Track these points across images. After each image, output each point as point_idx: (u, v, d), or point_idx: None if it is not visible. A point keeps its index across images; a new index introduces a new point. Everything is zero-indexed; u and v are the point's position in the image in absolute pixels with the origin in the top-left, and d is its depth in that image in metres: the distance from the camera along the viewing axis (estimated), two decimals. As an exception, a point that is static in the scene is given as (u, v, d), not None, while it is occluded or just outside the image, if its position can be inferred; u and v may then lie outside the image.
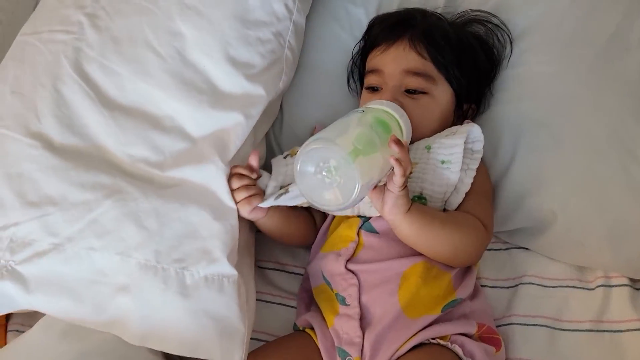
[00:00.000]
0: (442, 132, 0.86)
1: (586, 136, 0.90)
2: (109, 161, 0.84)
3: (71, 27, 0.93)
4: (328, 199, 0.73)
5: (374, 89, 0.92)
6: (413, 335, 0.80)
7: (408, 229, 0.78)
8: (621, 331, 0.86)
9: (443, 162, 0.82)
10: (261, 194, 0.85)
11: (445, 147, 0.82)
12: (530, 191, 0.91)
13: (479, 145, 0.85)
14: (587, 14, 0.98)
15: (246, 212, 0.84)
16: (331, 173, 0.72)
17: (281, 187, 0.86)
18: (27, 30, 0.99)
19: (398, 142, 0.74)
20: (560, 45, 0.97)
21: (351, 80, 1.04)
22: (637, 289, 0.90)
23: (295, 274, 1.00)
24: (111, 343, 0.79)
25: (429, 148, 0.84)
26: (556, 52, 0.97)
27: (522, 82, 0.97)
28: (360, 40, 1.02)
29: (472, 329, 0.82)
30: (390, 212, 0.77)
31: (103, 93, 0.88)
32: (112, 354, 0.79)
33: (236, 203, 0.83)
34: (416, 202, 0.82)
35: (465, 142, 0.83)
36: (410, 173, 0.82)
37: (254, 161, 0.85)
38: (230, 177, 0.84)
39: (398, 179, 0.74)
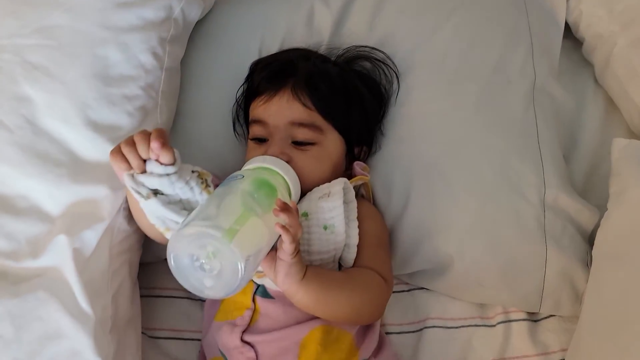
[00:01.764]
0: (313, 194, 0.80)
1: (475, 177, 0.89)
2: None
3: None
4: (212, 286, 0.67)
5: (260, 140, 0.87)
6: None
7: (306, 297, 0.74)
8: (523, 367, 0.86)
9: (326, 227, 0.78)
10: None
11: (324, 212, 0.77)
12: (426, 235, 0.89)
13: (351, 196, 0.82)
14: (469, 47, 0.97)
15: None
16: (210, 259, 0.65)
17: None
18: None
19: (283, 207, 0.68)
20: (445, 81, 0.95)
21: (237, 125, 0.98)
22: (534, 321, 0.91)
23: (192, 339, 0.93)
24: None
25: (306, 215, 0.78)
26: (442, 88, 0.95)
27: (411, 121, 0.94)
28: (243, 84, 0.96)
29: (377, 393, 0.79)
30: (284, 281, 0.72)
31: None
32: None
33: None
34: (309, 265, 0.77)
35: None
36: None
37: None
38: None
39: (287, 246, 0.69)
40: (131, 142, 0.72)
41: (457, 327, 0.91)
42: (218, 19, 1.04)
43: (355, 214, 0.81)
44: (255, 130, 0.87)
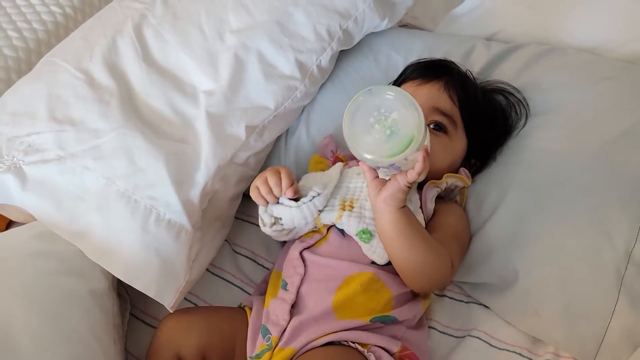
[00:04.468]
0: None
1: (568, 210, 0.90)
2: (131, 103, 0.96)
3: (147, 0, 1.09)
4: (367, 143, 0.74)
5: None
6: (334, 332, 0.80)
7: (394, 224, 0.79)
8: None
9: None
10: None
11: None
12: (500, 247, 0.91)
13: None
14: (606, 110, 1.00)
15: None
16: (384, 123, 0.73)
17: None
18: (116, -1, 1.17)
19: (425, 148, 0.76)
20: (572, 129, 0.99)
21: None
22: (584, 376, 0.85)
23: (263, 266, 1.04)
24: (72, 254, 0.87)
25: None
26: (566, 133, 0.99)
27: (525, 152, 0.99)
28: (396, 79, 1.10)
29: (395, 347, 0.81)
30: (386, 200, 0.78)
31: (148, 51, 1.02)
32: (68, 261, 0.86)
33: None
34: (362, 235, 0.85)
35: None
36: (352, 207, 0.86)
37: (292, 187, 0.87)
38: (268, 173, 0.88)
39: (413, 174, 0.75)
40: (267, 184, 0.87)
41: (500, 349, 0.89)
42: (387, 35, 1.21)
43: (418, 204, 0.88)
44: None
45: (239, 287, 1.01)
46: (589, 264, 0.86)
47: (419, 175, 0.76)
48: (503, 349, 0.89)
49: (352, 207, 0.87)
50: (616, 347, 0.82)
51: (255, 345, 0.83)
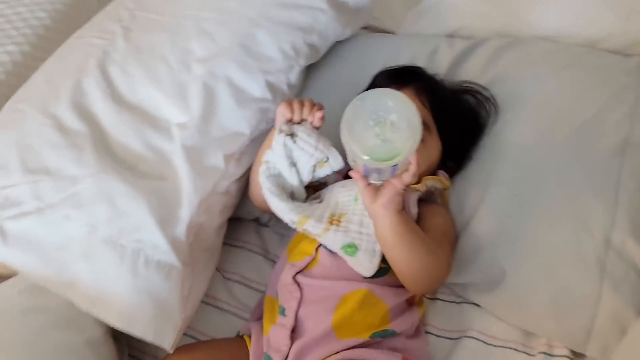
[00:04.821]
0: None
1: (546, 204, 0.93)
2: (105, 145, 0.95)
3: (107, 35, 1.08)
4: (369, 147, 0.74)
5: None
6: (335, 353, 0.82)
7: (393, 229, 0.79)
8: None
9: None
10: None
11: None
12: (485, 246, 0.94)
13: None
14: (571, 99, 1.03)
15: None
16: (383, 125, 0.73)
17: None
18: (75, 35, 1.15)
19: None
20: (540, 122, 1.02)
21: None
22: (579, 363, 0.88)
23: (256, 290, 1.05)
24: (63, 306, 0.86)
25: (356, 199, 0.89)
26: (535, 127, 1.02)
27: (498, 149, 1.02)
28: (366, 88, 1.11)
29: (395, 361, 0.83)
30: (385, 205, 0.78)
31: (116, 90, 1.01)
32: (60, 314, 0.85)
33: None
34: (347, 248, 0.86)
35: None
36: (339, 222, 0.87)
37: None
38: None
39: (408, 176, 0.76)
40: (300, 102, 0.89)
41: (495, 346, 0.92)
42: (352, 42, 1.22)
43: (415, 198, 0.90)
44: None
45: (234, 314, 1.01)
46: (572, 255, 0.88)
47: (413, 178, 0.77)
48: (498, 346, 0.92)
49: (339, 222, 0.88)
50: (606, 332, 0.85)
51: None
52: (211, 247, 1.00)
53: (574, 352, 0.89)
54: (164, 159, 0.95)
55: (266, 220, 1.13)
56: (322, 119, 0.89)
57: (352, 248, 0.86)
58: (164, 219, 0.88)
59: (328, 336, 0.83)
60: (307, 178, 0.91)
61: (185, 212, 0.90)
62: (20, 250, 0.89)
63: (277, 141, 0.89)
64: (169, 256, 0.86)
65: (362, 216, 0.88)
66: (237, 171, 1.00)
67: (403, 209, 0.81)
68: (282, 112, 0.90)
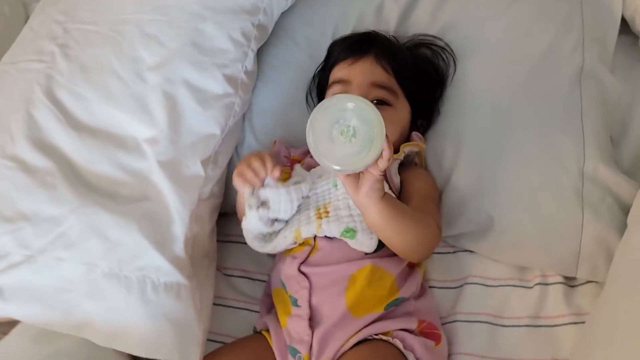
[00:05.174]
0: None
1: (520, 147, 0.97)
2: (77, 177, 0.92)
3: (44, 57, 1.01)
4: (337, 158, 0.75)
5: None
6: (357, 332, 0.86)
7: (381, 214, 0.81)
8: (556, 325, 0.92)
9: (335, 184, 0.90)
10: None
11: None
12: (471, 198, 0.98)
13: None
14: (522, 35, 1.06)
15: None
16: (347, 133, 0.75)
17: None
18: (6, 60, 1.07)
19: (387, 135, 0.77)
20: (497, 64, 1.05)
21: (309, 98, 1.12)
22: (571, 286, 0.96)
23: (259, 280, 1.07)
24: (79, 344, 0.86)
25: (335, 185, 0.91)
26: (494, 70, 1.05)
27: (464, 99, 1.04)
28: (323, 61, 1.10)
29: (413, 325, 0.88)
30: (368, 194, 0.79)
31: (72, 116, 0.96)
32: (79, 354, 0.85)
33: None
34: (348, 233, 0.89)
35: None
36: (327, 213, 0.89)
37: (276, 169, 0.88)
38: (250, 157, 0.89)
39: (385, 162, 0.76)
40: (250, 168, 0.88)
41: (495, 286, 0.98)
42: (296, 11, 1.18)
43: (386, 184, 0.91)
44: (336, 90, 1.00)
45: (245, 309, 1.03)
46: (551, 191, 0.94)
47: (387, 162, 0.79)
48: (498, 286, 0.99)
49: (328, 213, 0.90)
50: (592, 254, 0.92)
51: None
52: (208, 252, 1.00)
53: (566, 278, 0.97)
54: (142, 179, 0.92)
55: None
56: (279, 169, 0.88)
57: (350, 232, 0.89)
58: (160, 240, 0.88)
59: (345, 318, 0.87)
60: (292, 213, 0.93)
61: (179, 228, 0.90)
62: (21, 302, 0.86)
63: (252, 217, 0.90)
64: (174, 276, 0.87)
65: (347, 199, 0.90)
66: (215, 173, 0.99)
67: (388, 189, 0.84)
68: (240, 186, 0.89)
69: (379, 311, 0.88)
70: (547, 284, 0.97)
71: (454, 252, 1.05)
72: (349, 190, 0.82)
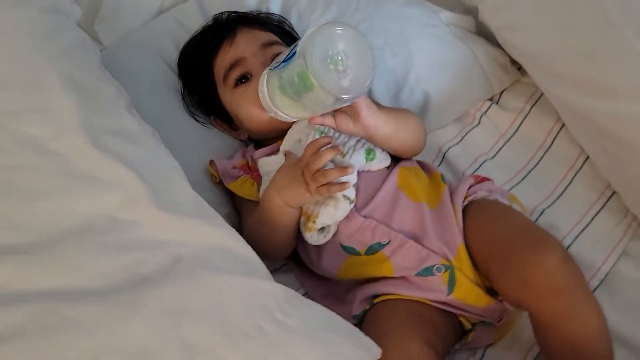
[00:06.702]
0: None
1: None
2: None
3: None
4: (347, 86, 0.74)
5: (244, 79, 0.93)
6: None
7: (387, 122, 0.84)
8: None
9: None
10: None
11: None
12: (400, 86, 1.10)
13: None
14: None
15: None
16: (337, 61, 0.73)
17: None
18: None
19: None
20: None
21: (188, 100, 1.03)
22: (496, 103, 1.14)
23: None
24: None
25: (322, 132, 0.89)
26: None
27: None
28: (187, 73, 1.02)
29: (472, 181, 0.94)
30: (372, 115, 0.81)
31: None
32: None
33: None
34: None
35: None
36: (342, 153, 0.87)
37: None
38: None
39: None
40: (325, 175, 0.78)
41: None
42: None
43: None
44: (237, 72, 0.93)
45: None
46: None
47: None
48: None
49: (342, 153, 0.87)
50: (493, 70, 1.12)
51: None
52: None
53: (489, 100, 1.15)
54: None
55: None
56: (338, 148, 0.81)
57: (371, 153, 0.89)
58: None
59: (428, 213, 0.86)
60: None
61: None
62: None
63: (345, 210, 0.83)
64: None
65: (341, 135, 0.89)
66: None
67: (380, 105, 0.87)
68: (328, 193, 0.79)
69: (444, 188, 0.90)
70: (484, 113, 1.13)
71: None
72: (352, 121, 0.82)
